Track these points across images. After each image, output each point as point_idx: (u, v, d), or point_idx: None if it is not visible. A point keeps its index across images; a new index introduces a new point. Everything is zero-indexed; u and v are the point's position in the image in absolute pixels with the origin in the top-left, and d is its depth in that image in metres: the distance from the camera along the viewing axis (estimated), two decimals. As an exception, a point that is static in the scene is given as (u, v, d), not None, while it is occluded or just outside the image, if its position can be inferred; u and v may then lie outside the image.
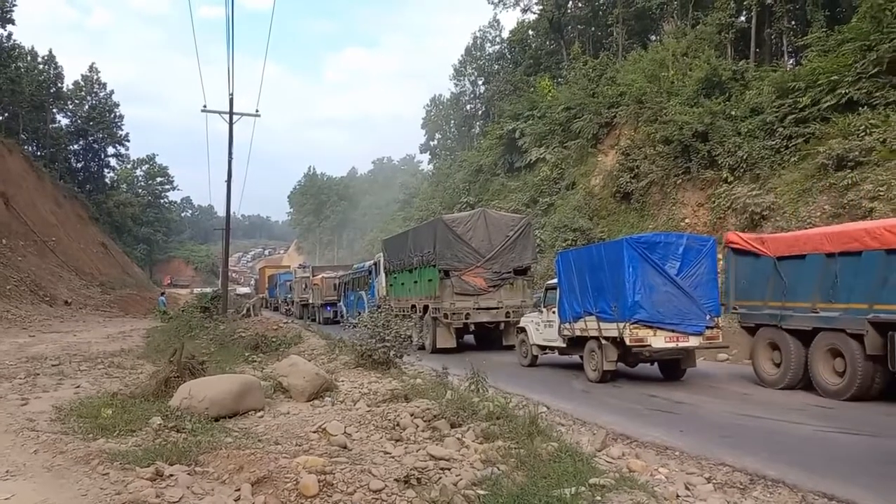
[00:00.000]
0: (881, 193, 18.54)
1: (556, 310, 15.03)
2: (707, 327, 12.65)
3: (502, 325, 19.72)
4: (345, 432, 7.57)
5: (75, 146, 73.51)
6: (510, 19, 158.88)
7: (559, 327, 14.83)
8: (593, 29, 49.46)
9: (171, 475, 5.59)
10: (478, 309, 19.38)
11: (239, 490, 5.32)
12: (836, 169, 20.38)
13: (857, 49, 21.74)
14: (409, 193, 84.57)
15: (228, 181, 27.62)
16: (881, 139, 19.52)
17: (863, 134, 20.12)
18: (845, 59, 21.98)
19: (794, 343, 11.71)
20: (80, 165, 75.35)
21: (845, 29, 23.29)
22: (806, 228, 20.58)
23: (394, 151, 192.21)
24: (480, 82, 72.13)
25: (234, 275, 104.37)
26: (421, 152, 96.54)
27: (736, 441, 8.26)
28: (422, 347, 20.18)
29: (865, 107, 20.74)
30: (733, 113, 25.43)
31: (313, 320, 37.71)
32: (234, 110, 27.14)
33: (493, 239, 19.83)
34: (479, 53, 72.73)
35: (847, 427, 9.01)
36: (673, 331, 12.49)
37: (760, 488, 6.45)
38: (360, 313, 22.15)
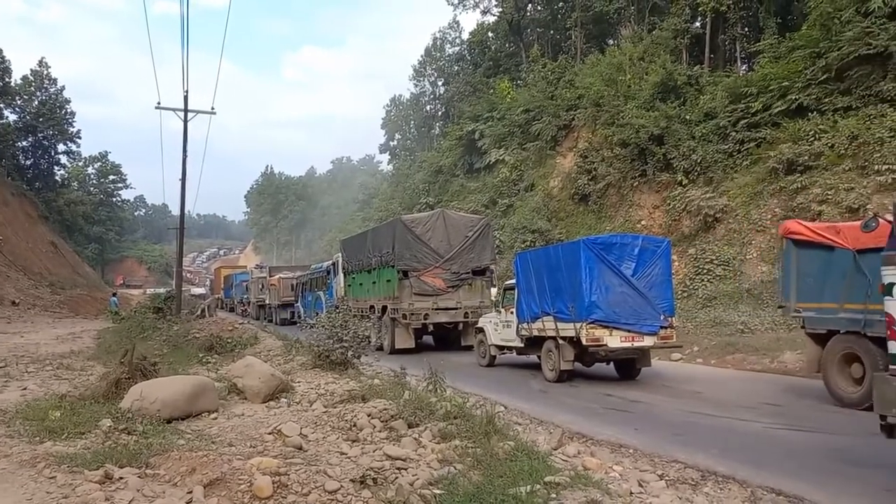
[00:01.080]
0: (829, 197, 19.10)
1: (514, 310, 15.12)
2: (661, 327, 12.80)
3: (461, 326, 19.78)
4: (300, 433, 7.49)
5: (24, 142, 71.30)
6: (470, 21, 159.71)
7: (517, 327, 14.90)
8: (552, 32, 49.90)
9: (121, 478, 5.47)
10: (436, 309, 19.38)
11: (191, 492, 5.21)
12: (787, 173, 20.92)
13: (807, 56, 22.33)
14: (369, 194, 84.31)
15: (183, 180, 27.18)
16: (829, 144, 20.10)
17: (812, 139, 20.69)
18: (796, 66, 22.56)
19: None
20: (28, 162, 73.16)
21: (796, 36, 23.92)
22: (758, 231, 21.18)
23: (353, 151, 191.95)
24: (440, 83, 72.21)
25: (188, 275, 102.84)
26: (381, 152, 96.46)
27: (688, 439, 8.40)
28: (380, 348, 20.10)
29: (815, 112, 21.33)
30: (688, 117, 25.91)
31: (270, 321, 37.31)
32: (189, 108, 26.73)
33: (452, 239, 19.85)
34: (438, 54, 72.74)
35: (797, 424, 9.22)
36: (628, 331, 12.62)
37: (711, 484, 6.56)
38: (317, 314, 21.97)
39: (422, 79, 75.82)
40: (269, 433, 7.58)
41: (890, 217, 6.62)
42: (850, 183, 18.91)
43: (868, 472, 6.81)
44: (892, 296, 5.76)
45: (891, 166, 18.08)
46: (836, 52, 20.90)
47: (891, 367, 5.86)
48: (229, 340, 18.08)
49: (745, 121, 23.53)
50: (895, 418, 5.78)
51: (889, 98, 19.64)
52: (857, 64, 20.51)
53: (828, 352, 10.66)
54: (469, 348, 18.51)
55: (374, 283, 21.77)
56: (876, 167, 18.43)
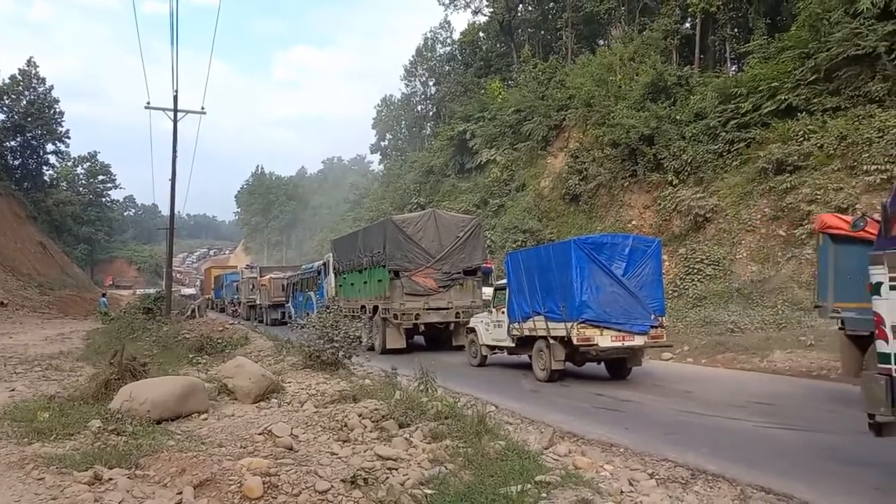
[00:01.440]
0: (818, 197, 19.20)
1: (505, 310, 15.13)
2: (652, 326, 12.84)
3: (452, 326, 19.76)
4: (291, 434, 7.47)
5: (12, 142, 70.75)
6: (461, 21, 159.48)
7: (508, 327, 14.91)
8: (543, 32, 49.94)
9: (111, 479, 5.43)
10: (428, 309, 19.35)
11: (181, 493, 5.19)
12: (776, 173, 21.02)
13: (796, 56, 22.44)
14: (360, 194, 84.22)
15: (173, 180, 27.03)
16: (818, 144, 20.20)
17: (801, 139, 20.79)
18: (785, 67, 22.66)
19: None
20: (17, 162, 72.56)
21: (785, 37, 24.02)
22: (748, 231, 21.28)
23: (344, 151, 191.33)
24: (431, 83, 72.14)
25: (178, 275, 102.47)
26: (371, 152, 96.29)
27: (679, 437, 8.42)
28: (371, 348, 20.08)
29: (804, 113, 21.43)
30: (678, 117, 26.00)
31: (261, 321, 37.20)
32: (179, 107, 26.62)
33: (444, 240, 19.84)
34: (430, 54, 72.67)
35: (788, 423, 9.24)
36: (619, 330, 12.66)
37: (701, 483, 6.58)
38: (308, 314, 21.91)
39: (413, 79, 75.81)
40: (260, 434, 7.55)
41: (878, 217, 6.64)
42: (839, 183, 19.02)
43: (857, 470, 6.85)
44: (880, 295, 5.79)
45: (879, 166, 18.19)
46: (825, 52, 21.01)
47: (879, 365, 5.89)
48: (219, 341, 17.98)
49: (735, 121, 23.63)
50: (883, 417, 5.81)
51: (877, 98, 19.76)
52: (845, 64, 20.61)
53: (870, 355, 9.52)
54: (460, 348, 18.50)
55: (365, 283, 21.74)
56: (864, 167, 18.54)
